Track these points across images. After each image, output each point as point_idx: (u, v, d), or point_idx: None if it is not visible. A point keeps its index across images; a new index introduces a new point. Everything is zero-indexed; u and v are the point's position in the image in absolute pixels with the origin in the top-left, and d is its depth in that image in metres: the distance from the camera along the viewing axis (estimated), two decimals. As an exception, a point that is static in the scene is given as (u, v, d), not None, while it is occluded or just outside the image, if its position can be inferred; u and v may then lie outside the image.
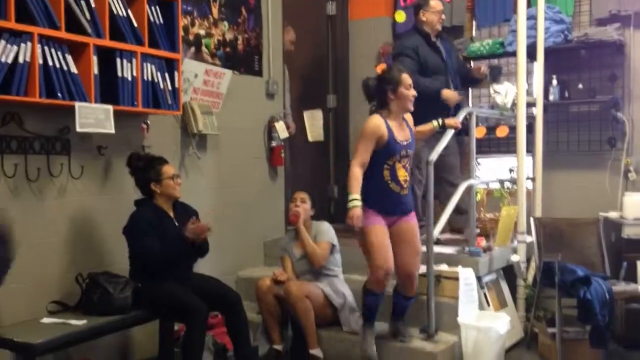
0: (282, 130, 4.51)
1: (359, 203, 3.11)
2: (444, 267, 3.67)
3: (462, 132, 4.17)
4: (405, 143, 3.26)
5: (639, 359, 3.48)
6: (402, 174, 3.26)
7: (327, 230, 3.72)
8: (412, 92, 3.25)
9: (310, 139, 4.90)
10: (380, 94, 3.27)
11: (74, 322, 2.85)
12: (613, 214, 4.07)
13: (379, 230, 3.23)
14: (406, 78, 3.24)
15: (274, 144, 4.53)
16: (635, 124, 4.33)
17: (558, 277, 3.49)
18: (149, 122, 3.62)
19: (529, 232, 4.03)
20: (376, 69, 5.24)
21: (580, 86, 4.42)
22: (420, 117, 3.51)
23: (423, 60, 4.06)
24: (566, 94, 4.46)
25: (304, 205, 3.72)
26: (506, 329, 3.33)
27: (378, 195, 3.23)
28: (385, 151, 3.20)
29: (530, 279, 4.05)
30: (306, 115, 4.89)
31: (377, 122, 3.20)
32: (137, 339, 3.54)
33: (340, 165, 5.38)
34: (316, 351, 3.44)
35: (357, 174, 3.15)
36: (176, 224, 3.23)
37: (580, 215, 4.04)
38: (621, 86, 4.35)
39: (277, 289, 3.56)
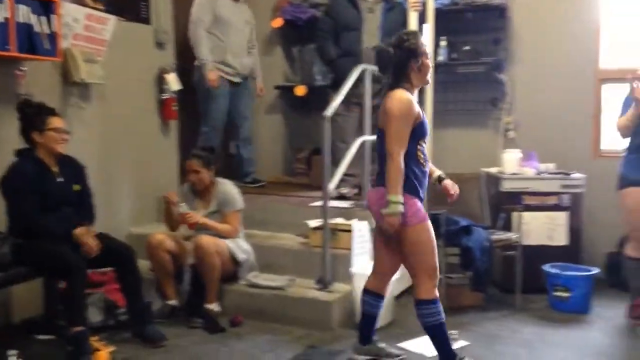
0: (173, 82, 4.33)
1: (402, 208, 2.65)
2: (339, 221, 3.76)
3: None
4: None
5: (513, 301, 3.77)
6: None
7: (234, 198, 3.67)
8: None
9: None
10: (401, 65, 2.73)
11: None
12: (493, 170, 4.35)
13: (430, 225, 2.78)
14: (426, 46, 2.82)
15: (165, 96, 4.35)
16: (516, 85, 4.62)
17: (443, 227, 3.70)
18: (25, 68, 3.33)
19: (418, 187, 4.20)
20: (272, 24, 5.18)
21: (467, 48, 4.63)
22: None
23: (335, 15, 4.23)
24: (454, 55, 4.66)
25: (199, 176, 3.62)
26: (396, 276, 3.48)
27: (418, 181, 2.77)
28: (420, 131, 2.74)
29: (418, 230, 4.25)
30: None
31: (409, 97, 2.70)
32: (20, 296, 3.34)
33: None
34: (214, 305, 3.42)
35: (402, 165, 2.64)
36: (59, 179, 3.04)
37: (465, 171, 4.28)
38: (504, 49, 4.60)
39: (169, 244, 3.49)
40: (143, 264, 3.47)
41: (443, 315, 2.76)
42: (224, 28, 4.41)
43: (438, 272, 2.82)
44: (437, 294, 2.78)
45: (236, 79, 4.56)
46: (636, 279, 3.53)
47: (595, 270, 3.74)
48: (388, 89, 2.76)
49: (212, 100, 4.44)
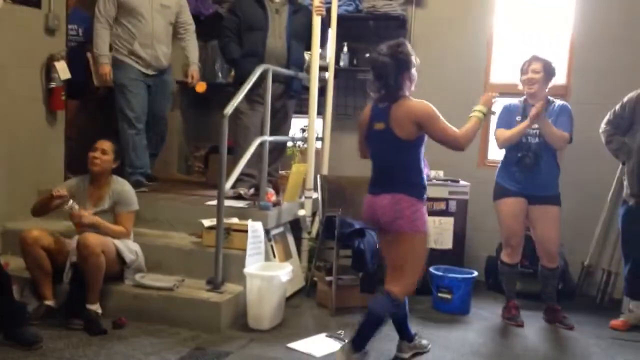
0: (63, 71, 4.09)
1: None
2: (234, 220, 3.71)
3: (294, 94, 4.36)
4: None
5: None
6: None
7: (129, 198, 3.54)
8: None
9: (96, 83, 4.53)
10: (397, 76, 2.79)
11: None
12: (388, 174, 4.47)
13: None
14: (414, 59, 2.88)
15: (53, 85, 4.10)
16: (412, 94, 4.77)
17: (338, 229, 3.77)
18: None
19: (315, 189, 4.26)
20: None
21: (368, 55, 4.73)
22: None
23: (241, 13, 4.18)
24: (355, 62, 4.76)
25: (104, 157, 3.46)
26: (288, 277, 3.50)
27: (424, 188, 2.89)
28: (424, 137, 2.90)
29: (314, 232, 4.31)
30: (92, 56, 4.51)
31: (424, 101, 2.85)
32: None
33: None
34: (95, 307, 3.26)
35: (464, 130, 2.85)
36: None
37: (361, 174, 4.37)
38: (402, 58, 4.75)
39: (46, 241, 3.29)
40: (18, 262, 3.25)
41: (386, 317, 2.85)
42: (131, 17, 4.19)
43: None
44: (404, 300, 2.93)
45: (149, 72, 4.30)
46: (509, 283, 3.78)
47: (475, 273, 3.95)
48: (393, 99, 2.82)
49: (124, 95, 4.21)
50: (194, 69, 4.53)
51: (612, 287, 4.26)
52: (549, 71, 3.59)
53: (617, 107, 3.74)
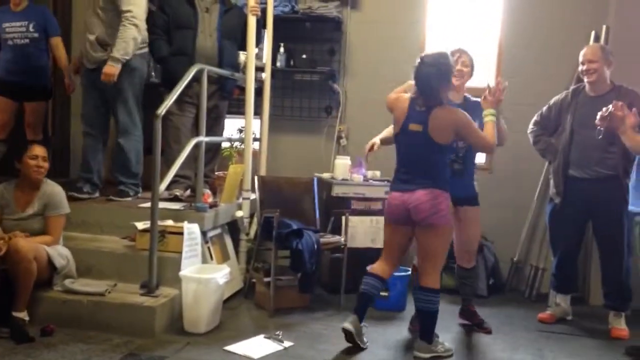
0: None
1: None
2: (169, 223, 3.64)
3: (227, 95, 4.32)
4: None
5: (339, 301, 3.93)
6: None
7: (60, 201, 3.42)
8: None
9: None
10: (438, 84, 3.08)
11: None
12: (326, 175, 4.51)
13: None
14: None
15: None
16: (348, 95, 4.85)
17: (276, 230, 3.76)
18: None
19: (253, 190, 4.23)
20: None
21: (304, 56, 4.77)
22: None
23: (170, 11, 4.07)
24: (292, 62, 4.77)
25: (46, 164, 3.36)
26: (225, 279, 3.46)
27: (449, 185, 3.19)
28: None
29: (252, 233, 4.28)
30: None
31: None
32: None
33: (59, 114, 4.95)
34: (22, 314, 3.11)
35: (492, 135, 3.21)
36: None
37: (299, 175, 4.40)
38: (338, 60, 4.81)
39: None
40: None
41: (438, 306, 3.11)
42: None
43: None
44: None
45: (90, 66, 4.02)
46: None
47: (410, 271, 4.03)
48: (434, 105, 3.08)
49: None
50: (110, 66, 3.85)
51: (540, 281, 4.45)
52: (473, 66, 3.62)
53: (544, 108, 3.91)
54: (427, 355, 3.13)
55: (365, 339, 3.27)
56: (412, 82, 3.21)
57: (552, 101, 3.90)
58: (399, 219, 3.17)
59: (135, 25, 3.88)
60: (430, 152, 3.10)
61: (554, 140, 3.87)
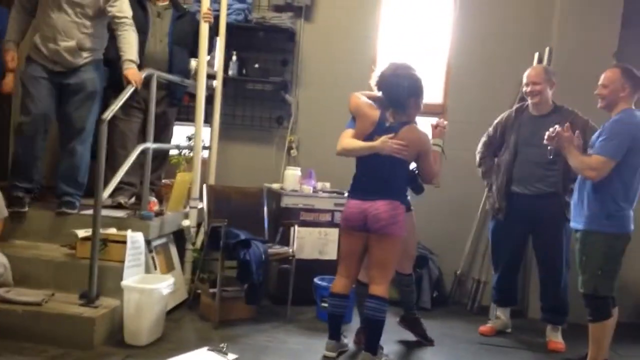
0: None
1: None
2: (112, 231, 3.54)
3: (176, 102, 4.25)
4: None
5: (285, 312, 3.91)
6: None
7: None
8: None
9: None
10: (417, 98, 3.22)
11: None
12: (275, 185, 4.49)
13: None
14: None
15: None
16: (300, 106, 4.86)
17: (223, 240, 3.71)
18: None
19: (201, 199, 4.17)
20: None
21: (257, 66, 4.75)
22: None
23: None
24: (244, 71, 4.75)
25: None
26: (169, 290, 3.38)
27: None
28: None
29: (199, 243, 4.21)
30: None
31: None
32: None
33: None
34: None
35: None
36: None
37: (249, 185, 4.36)
38: (291, 71, 4.82)
39: None
40: None
41: (385, 316, 3.16)
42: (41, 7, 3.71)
43: None
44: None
45: (57, 69, 3.71)
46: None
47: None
48: (404, 123, 3.18)
49: (25, 88, 3.74)
50: (126, 68, 3.73)
51: (481, 294, 4.55)
52: None
53: (490, 129, 4.02)
54: None
55: (345, 342, 3.47)
56: (378, 93, 3.27)
57: (496, 120, 4.02)
58: (355, 225, 3.22)
59: (134, 30, 3.81)
60: (395, 167, 3.18)
61: (496, 161, 3.97)
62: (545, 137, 3.33)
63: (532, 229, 3.86)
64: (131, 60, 3.72)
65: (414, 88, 3.16)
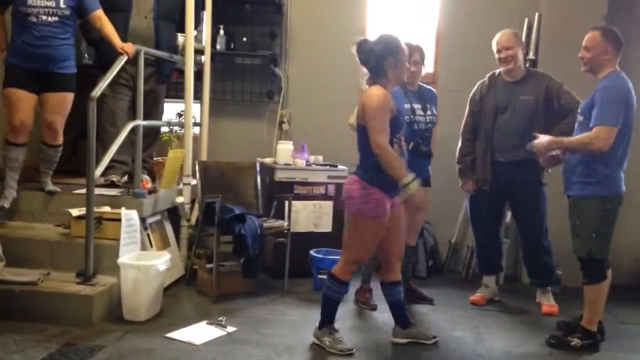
0: None
1: (416, 185, 2.83)
2: (106, 209, 3.53)
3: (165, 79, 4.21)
4: None
5: (282, 285, 3.91)
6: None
7: None
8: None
9: None
10: (379, 61, 2.88)
11: None
12: (268, 160, 4.48)
13: (382, 226, 2.92)
14: (404, 47, 2.97)
15: None
16: (290, 79, 4.82)
17: (218, 215, 3.70)
18: None
19: (194, 175, 4.15)
20: None
21: (245, 39, 4.69)
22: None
23: None
24: (232, 46, 4.69)
25: None
26: (165, 266, 3.39)
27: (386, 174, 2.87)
28: (394, 125, 2.93)
29: (193, 219, 4.21)
30: None
31: (384, 92, 2.87)
32: None
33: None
34: (-54, 308, 2.95)
35: (392, 152, 2.86)
36: None
37: (241, 160, 4.34)
38: (279, 44, 4.77)
39: None
40: None
41: (342, 297, 3.10)
42: None
43: (360, 265, 3.19)
44: (348, 279, 3.06)
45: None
46: (367, 267, 3.75)
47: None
48: (370, 83, 2.91)
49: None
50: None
51: (475, 262, 4.59)
52: (424, 59, 3.69)
53: (467, 111, 3.90)
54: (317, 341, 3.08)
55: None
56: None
57: (470, 96, 3.90)
58: None
59: None
60: (359, 134, 2.94)
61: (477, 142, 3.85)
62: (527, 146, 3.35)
63: (509, 195, 3.85)
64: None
65: (383, 50, 2.89)
